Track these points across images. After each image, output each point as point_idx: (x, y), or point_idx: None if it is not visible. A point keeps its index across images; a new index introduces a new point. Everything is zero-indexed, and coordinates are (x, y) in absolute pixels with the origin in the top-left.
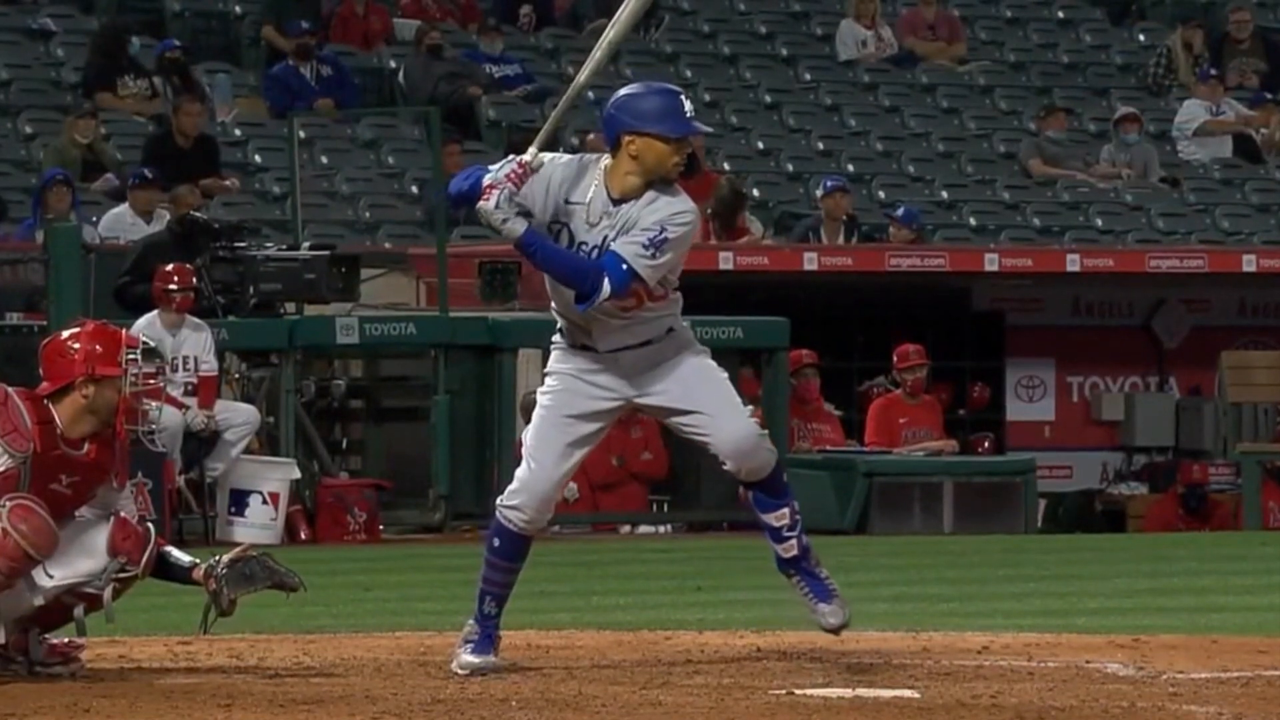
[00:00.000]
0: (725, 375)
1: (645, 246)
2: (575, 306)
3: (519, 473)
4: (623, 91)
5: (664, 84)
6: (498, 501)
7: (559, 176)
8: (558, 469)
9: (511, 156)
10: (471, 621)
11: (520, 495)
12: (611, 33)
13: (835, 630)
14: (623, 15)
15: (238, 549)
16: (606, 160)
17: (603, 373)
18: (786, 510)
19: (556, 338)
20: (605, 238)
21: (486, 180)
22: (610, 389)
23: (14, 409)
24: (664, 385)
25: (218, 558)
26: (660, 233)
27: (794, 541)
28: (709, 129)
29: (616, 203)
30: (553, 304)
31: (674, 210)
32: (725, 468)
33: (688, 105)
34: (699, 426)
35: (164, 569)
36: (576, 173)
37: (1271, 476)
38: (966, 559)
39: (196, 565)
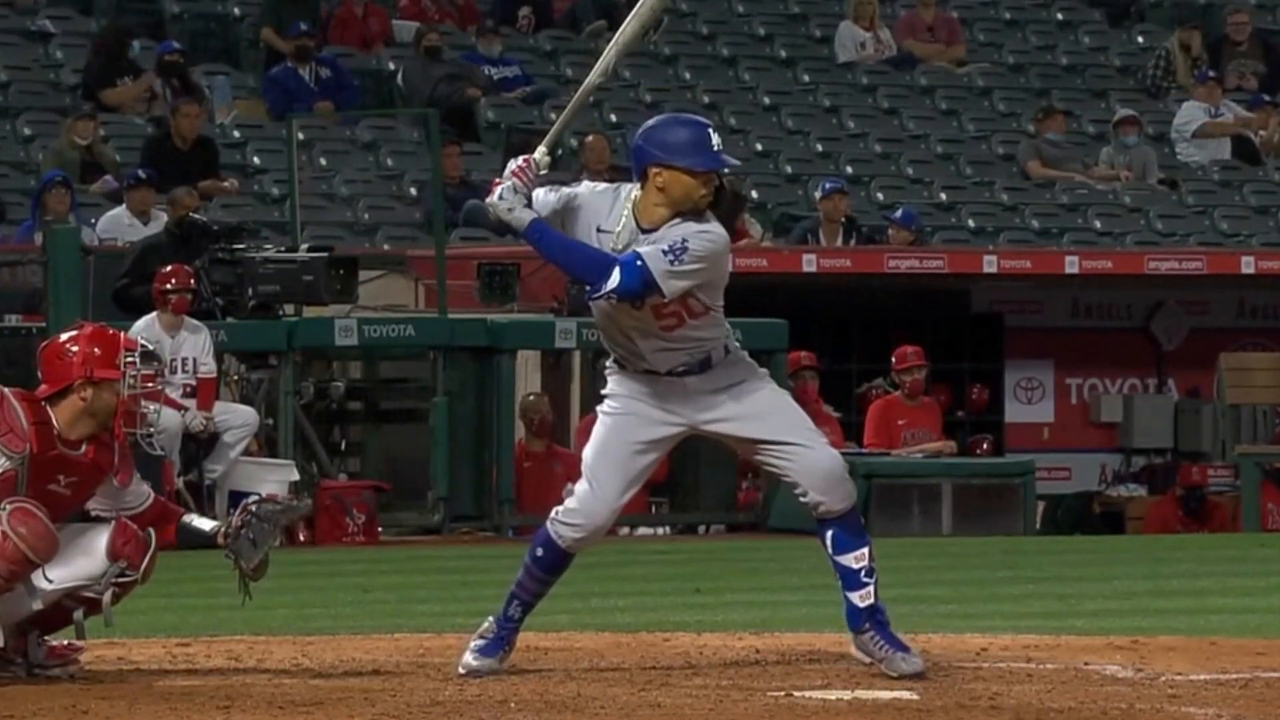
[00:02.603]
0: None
1: (665, 251)
2: (586, 295)
3: (580, 491)
4: (650, 123)
5: (692, 115)
6: (554, 515)
7: (593, 205)
8: (620, 499)
9: (520, 156)
10: (491, 620)
11: (580, 517)
12: (622, 36)
13: (917, 676)
14: (634, 19)
15: (237, 513)
16: (637, 190)
17: (668, 397)
18: (866, 550)
19: (609, 363)
20: None
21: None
22: (676, 414)
23: (9, 410)
24: (739, 411)
25: (229, 521)
26: (682, 242)
27: (871, 588)
28: (737, 161)
29: (645, 232)
30: (602, 335)
31: (699, 228)
32: (804, 500)
33: (715, 138)
34: (786, 456)
35: (189, 537)
36: (610, 202)
37: (1270, 478)
38: (965, 561)
39: (219, 531)
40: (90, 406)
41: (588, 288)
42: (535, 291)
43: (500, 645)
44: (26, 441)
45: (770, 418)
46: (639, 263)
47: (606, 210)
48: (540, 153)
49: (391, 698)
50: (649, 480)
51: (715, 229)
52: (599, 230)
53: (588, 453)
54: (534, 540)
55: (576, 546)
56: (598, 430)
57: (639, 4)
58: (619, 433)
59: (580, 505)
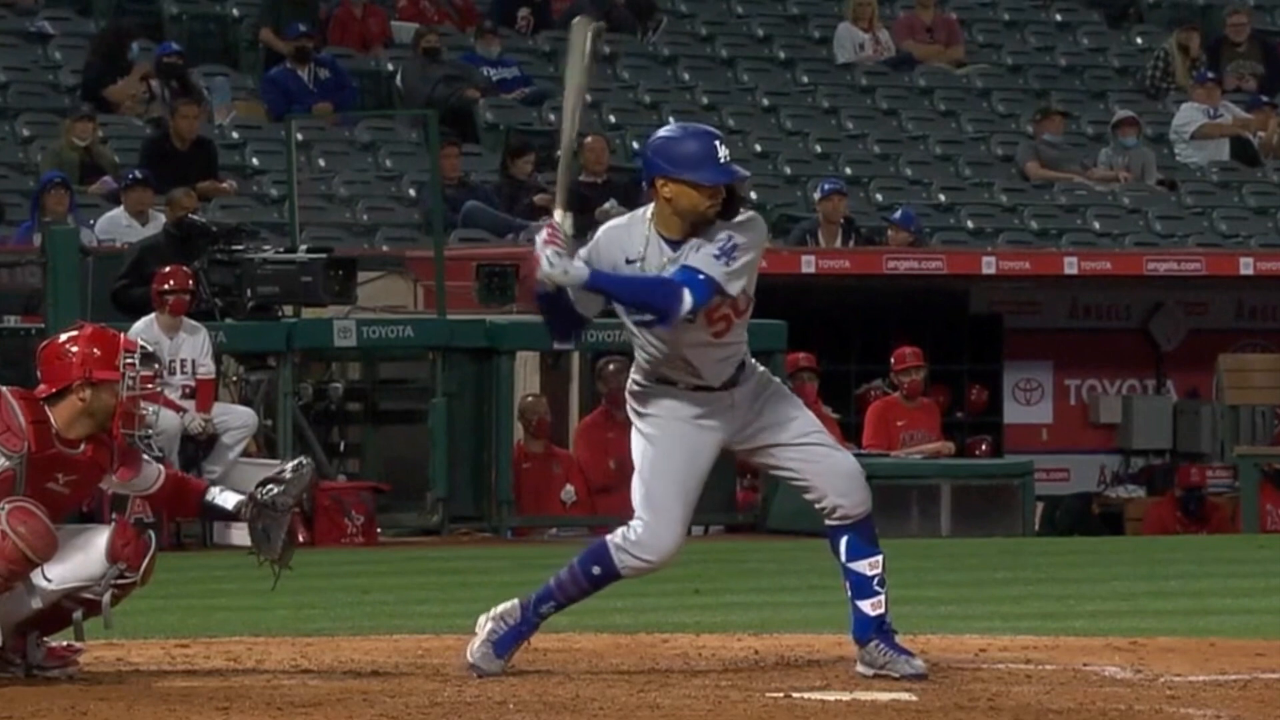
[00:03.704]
0: None
1: (717, 255)
2: (659, 326)
3: (649, 523)
4: (660, 134)
5: (700, 126)
6: (619, 543)
7: (614, 240)
8: (686, 525)
9: (545, 219)
10: (517, 605)
11: (649, 552)
12: (573, 82)
13: (920, 678)
14: (573, 61)
15: (246, 506)
16: (651, 208)
17: (714, 414)
18: (880, 559)
19: (640, 381)
20: None
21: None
22: (718, 430)
23: (7, 408)
24: (769, 421)
25: (247, 500)
26: (729, 240)
27: (882, 597)
28: (745, 173)
29: (675, 244)
30: (643, 356)
31: (739, 222)
32: (821, 504)
33: (722, 150)
34: (808, 459)
35: (212, 513)
36: (626, 232)
37: (1269, 479)
38: (964, 562)
39: (241, 507)
40: (89, 407)
41: (660, 318)
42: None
43: (517, 639)
44: (24, 440)
45: (794, 423)
46: (701, 276)
47: (627, 239)
48: (559, 215)
49: (390, 699)
50: None
51: (752, 215)
52: (627, 261)
53: (646, 480)
54: (590, 555)
55: (639, 577)
56: (649, 455)
57: (569, 57)
58: (674, 456)
59: (650, 539)
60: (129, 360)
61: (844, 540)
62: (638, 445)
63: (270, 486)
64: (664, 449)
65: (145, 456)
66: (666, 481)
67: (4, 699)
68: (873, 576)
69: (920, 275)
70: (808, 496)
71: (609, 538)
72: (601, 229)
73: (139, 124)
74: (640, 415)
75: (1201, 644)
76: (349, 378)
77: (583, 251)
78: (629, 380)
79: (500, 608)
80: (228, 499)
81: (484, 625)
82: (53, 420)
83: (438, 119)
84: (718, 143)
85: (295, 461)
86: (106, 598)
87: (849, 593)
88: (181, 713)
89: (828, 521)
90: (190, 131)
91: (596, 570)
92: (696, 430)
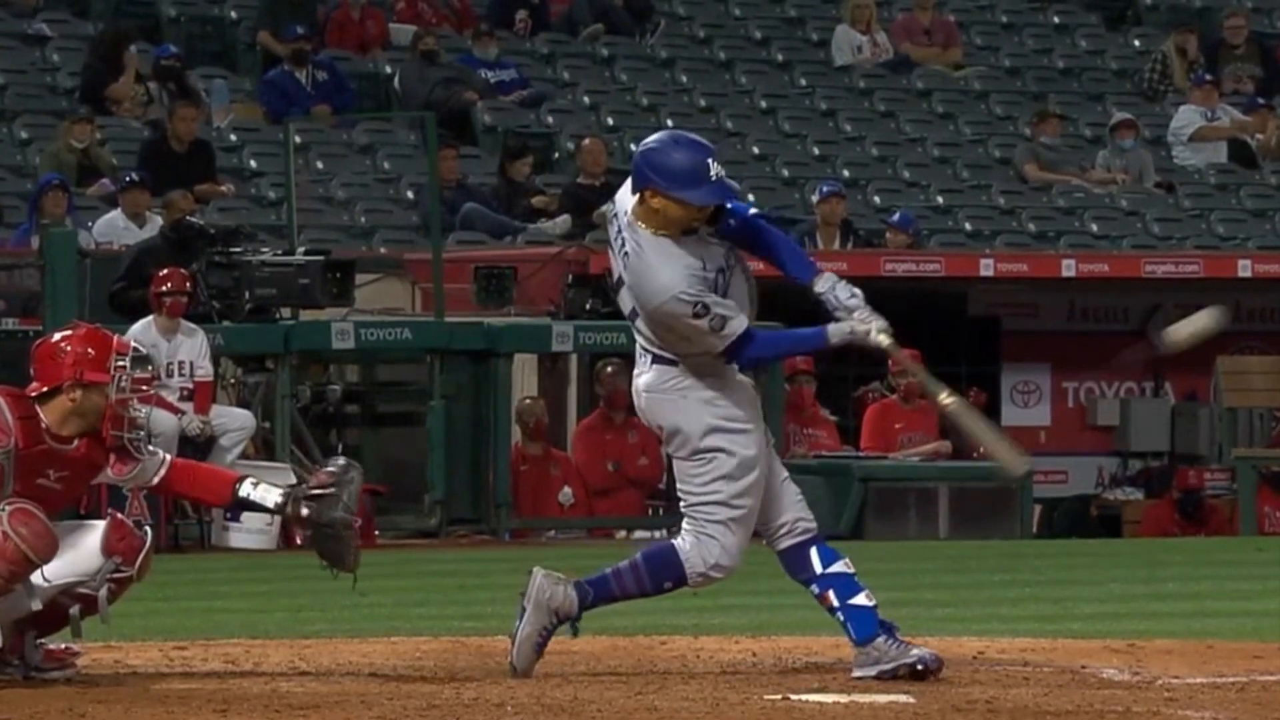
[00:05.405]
0: None
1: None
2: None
3: (727, 546)
4: (652, 141)
5: (692, 138)
6: (702, 570)
7: (683, 266)
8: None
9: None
10: (574, 598)
11: (724, 572)
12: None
13: (938, 664)
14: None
15: (303, 520)
16: (631, 218)
17: (757, 403)
18: (848, 559)
19: (682, 377)
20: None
21: (884, 342)
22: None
23: None
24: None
25: (286, 499)
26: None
27: (869, 590)
28: (737, 186)
29: (694, 231)
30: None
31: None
32: (781, 521)
33: (714, 167)
34: (778, 471)
35: (247, 506)
36: (670, 254)
37: (1267, 481)
38: (962, 564)
39: (283, 504)
40: (79, 407)
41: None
42: (532, 294)
43: (546, 639)
44: (11, 436)
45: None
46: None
47: (685, 256)
48: (881, 331)
49: (388, 701)
50: (647, 484)
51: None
52: (704, 268)
53: (729, 498)
54: (663, 568)
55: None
56: (727, 470)
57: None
58: (756, 473)
59: (727, 559)
60: (120, 363)
61: (814, 551)
62: (714, 462)
63: (317, 504)
64: (746, 465)
65: (149, 447)
66: (749, 500)
67: (2, 701)
68: (853, 573)
69: (918, 277)
70: (766, 514)
71: (683, 553)
72: (669, 268)
73: (137, 126)
74: (719, 430)
75: (1199, 646)
76: (347, 380)
77: (724, 306)
78: (702, 391)
79: (553, 599)
80: (266, 495)
81: (534, 619)
82: (43, 417)
83: (436, 121)
84: (710, 159)
85: (341, 468)
86: (103, 593)
87: (836, 602)
88: (179, 715)
89: (790, 541)
90: (188, 134)
91: (669, 585)
92: (761, 435)
